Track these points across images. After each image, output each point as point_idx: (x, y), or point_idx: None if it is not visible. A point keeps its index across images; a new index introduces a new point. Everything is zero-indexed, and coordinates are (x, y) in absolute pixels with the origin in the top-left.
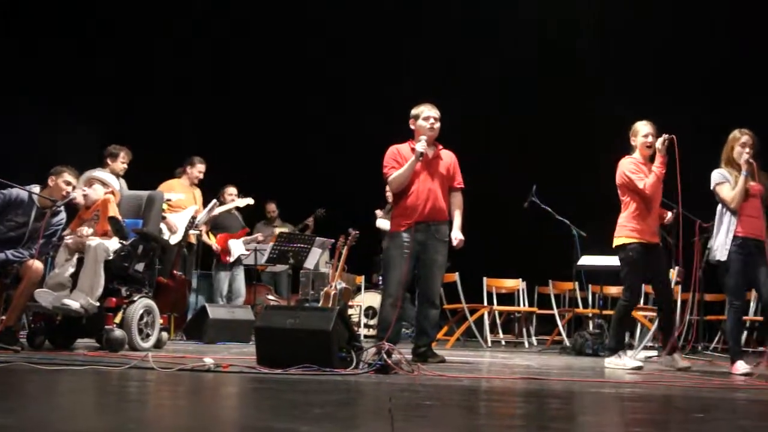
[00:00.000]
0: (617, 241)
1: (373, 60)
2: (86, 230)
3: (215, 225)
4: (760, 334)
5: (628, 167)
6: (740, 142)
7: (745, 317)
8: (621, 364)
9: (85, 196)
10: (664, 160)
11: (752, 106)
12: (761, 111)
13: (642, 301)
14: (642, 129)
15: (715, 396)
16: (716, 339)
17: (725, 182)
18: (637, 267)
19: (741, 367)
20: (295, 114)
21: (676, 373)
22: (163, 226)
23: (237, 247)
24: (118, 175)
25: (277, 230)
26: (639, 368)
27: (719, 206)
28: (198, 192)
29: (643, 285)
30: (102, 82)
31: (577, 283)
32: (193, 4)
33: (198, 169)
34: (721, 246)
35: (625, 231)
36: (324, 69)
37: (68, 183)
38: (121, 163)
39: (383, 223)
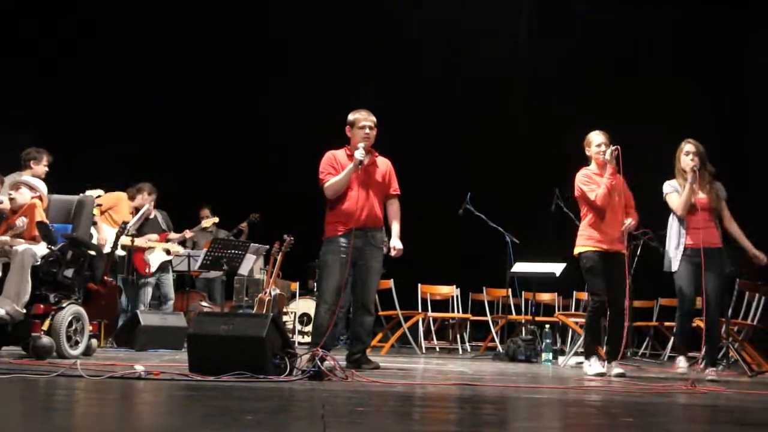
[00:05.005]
0: (575, 250)
1: (310, 60)
2: (21, 220)
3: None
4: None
5: (580, 179)
6: (684, 151)
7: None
8: (587, 370)
9: (11, 200)
10: (613, 171)
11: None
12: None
13: (573, 307)
14: (595, 139)
15: (644, 401)
16: (644, 344)
17: (673, 192)
18: (593, 273)
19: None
20: (229, 117)
21: (610, 379)
22: (94, 232)
23: (156, 256)
24: (40, 179)
25: (205, 221)
26: (601, 375)
27: (670, 217)
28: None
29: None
30: (28, 83)
31: (510, 289)
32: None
33: (151, 199)
34: (673, 257)
35: (581, 240)
36: (258, 70)
37: None
38: (43, 167)
39: None
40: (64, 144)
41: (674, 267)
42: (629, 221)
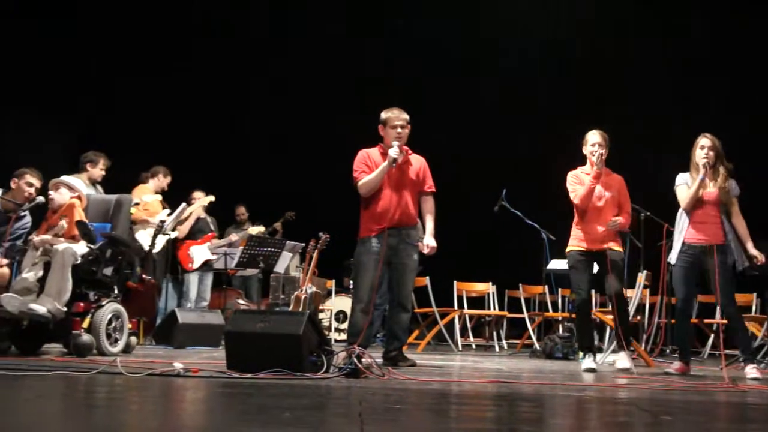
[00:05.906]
0: (566, 249)
1: (342, 61)
2: (62, 223)
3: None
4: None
5: (569, 179)
6: (699, 145)
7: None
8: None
9: (51, 200)
10: (597, 174)
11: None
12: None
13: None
14: (590, 138)
15: (683, 399)
16: None
17: (683, 185)
18: (574, 271)
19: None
20: (265, 117)
21: (645, 377)
22: (143, 233)
23: (200, 253)
24: (95, 182)
25: (252, 229)
26: (591, 370)
27: (679, 210)
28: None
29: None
30: (70, 84)
31: (546, 286)
32: (165, 9)
33: (167, 181)
34: (675, 250)
35: (570, 240)
36: (292, 72)
37: (30, 185)
38: (99, 170)
39: None
40: (86, 145)
41: (672, 260)
42: (617, 219)
